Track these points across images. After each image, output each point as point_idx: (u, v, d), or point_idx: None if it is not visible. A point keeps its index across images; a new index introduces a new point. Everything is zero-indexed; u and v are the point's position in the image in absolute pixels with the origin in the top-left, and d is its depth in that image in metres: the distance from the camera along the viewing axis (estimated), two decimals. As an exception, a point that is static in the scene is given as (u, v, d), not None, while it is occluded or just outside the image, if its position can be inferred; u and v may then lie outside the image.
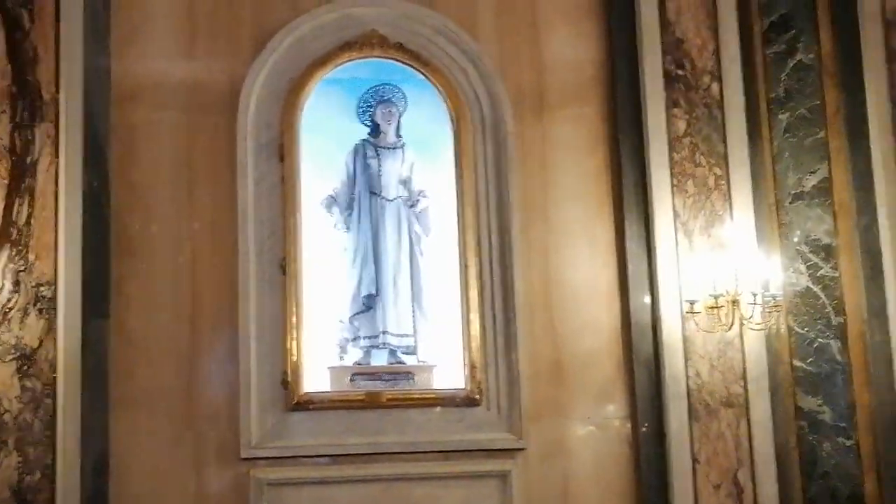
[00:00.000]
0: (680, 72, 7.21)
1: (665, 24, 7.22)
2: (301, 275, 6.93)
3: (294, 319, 6.84)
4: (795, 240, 7.27)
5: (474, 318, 6.99)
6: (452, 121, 7.22)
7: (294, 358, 6.82)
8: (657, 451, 6.89)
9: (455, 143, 7.19)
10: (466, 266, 7.05)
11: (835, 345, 7.15)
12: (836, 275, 7.23)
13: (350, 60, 7.20)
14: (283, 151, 7.00)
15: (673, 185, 7.10)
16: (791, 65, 7.42)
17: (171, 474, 6.69)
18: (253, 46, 7.12)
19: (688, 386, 6.89)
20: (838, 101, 7.40)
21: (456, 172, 7.16)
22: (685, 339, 6.93)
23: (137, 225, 6.87)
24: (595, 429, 7.10)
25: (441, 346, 7.13)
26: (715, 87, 7.23)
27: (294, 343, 6.82)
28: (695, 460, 6.83)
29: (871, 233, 7.24)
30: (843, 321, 7.17)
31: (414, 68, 7.24)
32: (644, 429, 6.93)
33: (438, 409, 6.97)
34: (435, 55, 7.24)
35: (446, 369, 7.08)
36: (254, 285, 6.82)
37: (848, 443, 7.05)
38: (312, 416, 6.83)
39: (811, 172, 7.34)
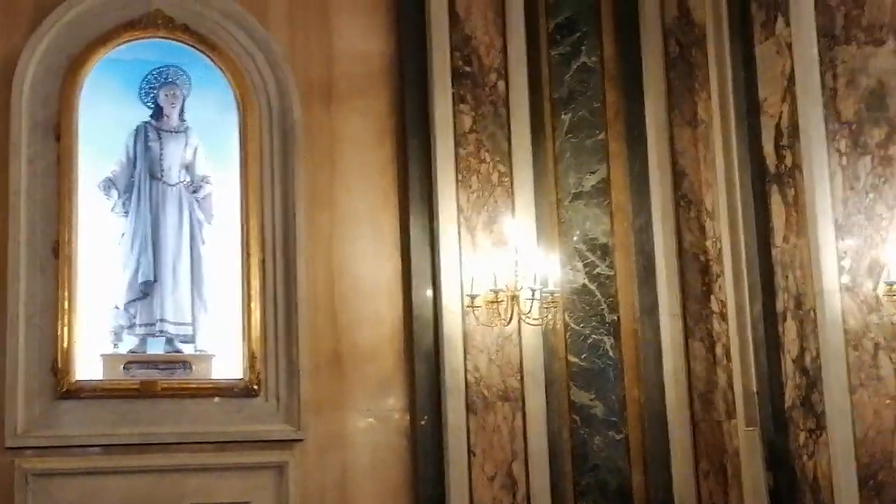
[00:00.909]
0: (468, 68, 7.29)
1: (454, 21, 7.29)
2: (76, 259, 6.72)
3: (66, 305, 6.62)
4: (574, 238, 7.46)
5: (255, 307, 6.91)
6: (238, 107, 7.11)
7: (65, 344, 6.59)
8: (435, 444, 6.95)
9: (240, 130, 7.10)
10: (249, 255, 6.96)
11: (608, 341, 7.37)
12: (612, 273, 7.45)
13: (133, 40, 7.02)
14: (59, 130, 6.76)
15: (458, 181, 7.17)
16: (575, 67, 7.61)
17: (-70, 464, 6.39)
18: (31, 20, 6.85)
19: (466, 379, 6.97)
20: (618, 104, 7.63)
21: (240, 159, 7.07)
22: (465, 333, 7.01)
23: None
24: (374, 421, 7.10)
25: (221, 336, 7.01)
26: (501, 85, 7.34)
27: (65, 329, 6.60)
28: (471, 452, 6.92)
29: (646, 234, 7.50)
30: (616, 318, 7.39)
31: (200, 51, 7.11)
32: (423, 422, 6.97)
33: (217, 399, 6.86)
34: (223, 39, 7.12)
35: (226, 359, 6.97)
36: (24, 268, 6.57)
37: (618, 437, 7.28)
38: (83, 404, 6.62)
39: (591, 173, 7.55)
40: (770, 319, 7.14)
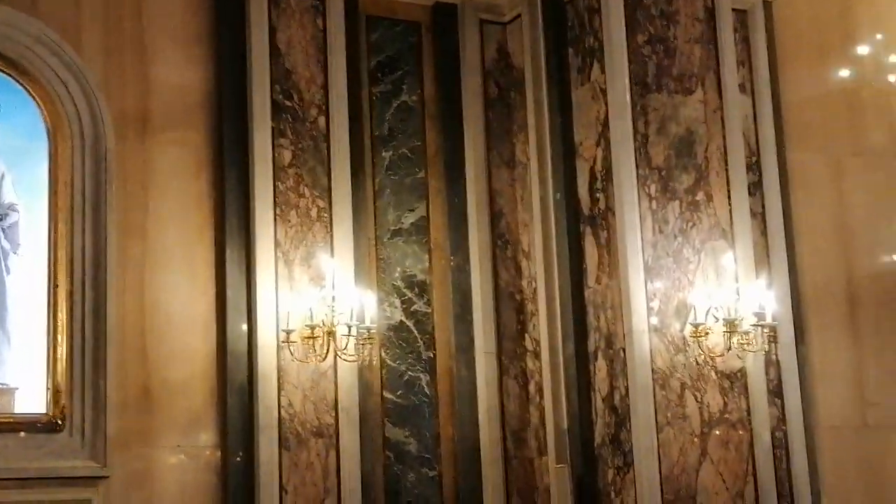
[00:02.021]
0: (288, 103, 7.25)
1: (275, 55, 7.24)
2: None
3: None
4: (392, 275, 7.47)
5: (62, 339, 6.68)
6: (49, 135, 6.91)
7: None
8: (246, 481, 6.82)
9: (50, 158, 6.88)
10: (56, 286, 6.74)
11: (424, 378, 7.40)
12: (429, 311, 7.49)
13: (-62, 60, 6.76)
14: None
15: (276, 215, 7.10)
16: (396, 105, 7.67)
17: None
18: None
19: (280, 415, 6.87)
20: (438, 143, 7.71)
21: (50, 188, 6.85)
22: (280, 369, 6.92)
23: None
24: (185, 457, 6.94)
25: (25, 369, 6.76)
26: (322, 120, 7.32)
27: None
28: (283, 489, 6.82)
29: (463, 272, 7.58)
30: (432, 356, 7.43)
31: (10, 76, 6.88)
32: (238, 458, 6.84)
33: (21, 434, 6.60)
34: (34, 65, 6.90)
35: (30, 393, 6.72)
36: None
37: (431, 473, 7.29)
38: None
39: (410, 210, 7.59)
40: (582, 358, 7.29)
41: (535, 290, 7.65)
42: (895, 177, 8.49)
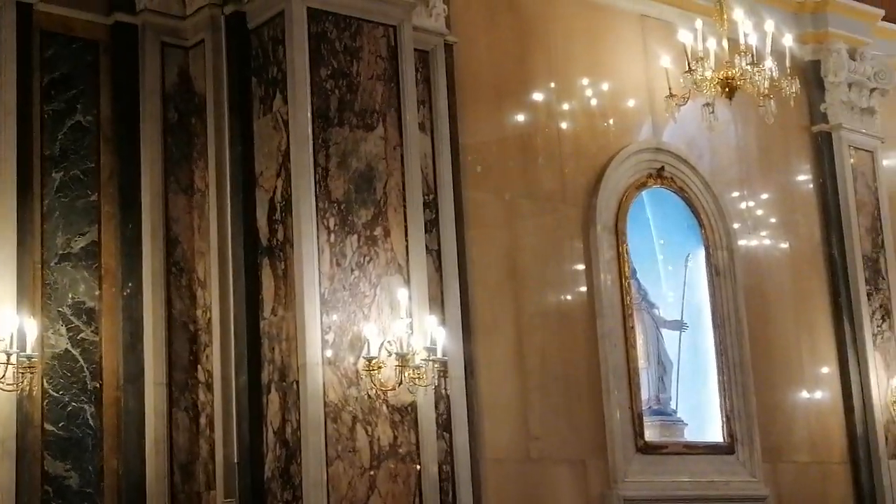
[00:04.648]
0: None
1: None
2: None
3: None
4: (60, 301, 7.16)
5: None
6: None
7: None
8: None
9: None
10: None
11: (89, 409, 7.12)
12: (97, 339, 7.22)
13: None
14: None
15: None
16: (69, 124, 7.37)
17: None
18: None
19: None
20: (113, 166, 7.46)
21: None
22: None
23: None
24: None
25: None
26: (-7, 138, 6.93)
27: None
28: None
29: (135, 300, 7.36)
30: (98, 386, 7.16)
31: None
32: None
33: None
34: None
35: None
36: None
37: (93, 509, 7.02)
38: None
39: (80, 234, 7.30)
40: (255, 390, 7.22)
41: (209, 319, 7.50)
42: (563, 220, 8.93)
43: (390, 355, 7.06)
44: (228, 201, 7.48)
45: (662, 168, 9.51)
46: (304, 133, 7.22)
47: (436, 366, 7.22)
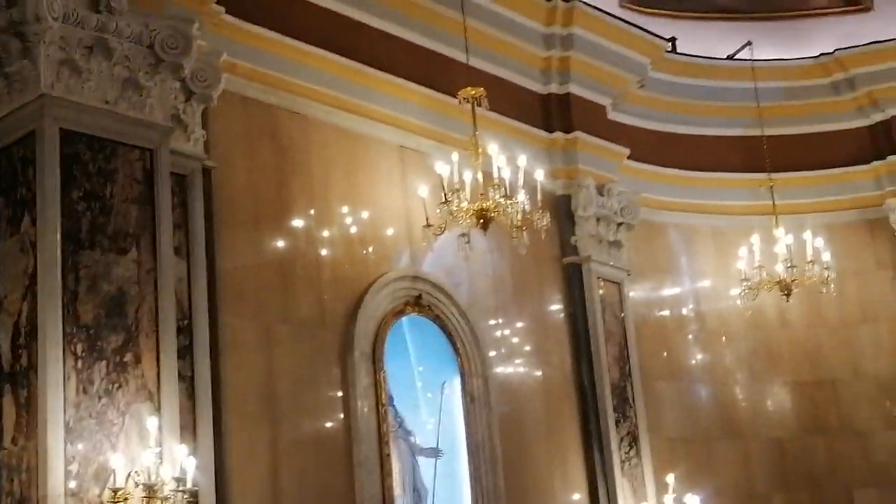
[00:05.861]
0: None
1: None
2: None
3: None
4: None
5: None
6: None
7: None
8: None
9: None
10: None
11: None
12: None
13: None
14: None
15: None
16: None
17: None
18: None
19: None
20: None
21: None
22: None
23: None
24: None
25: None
26: None
27: None
28: None
29: None
30: None
31: None
32: None
33: None
34: None
35: None
36: None
37: None
38: None
39: None
40: (-10, 525, 6.85)
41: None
42: (321, 346, 8.89)
43: (137, 486, 6.83)
44: (-32, 325, 7.16)
45: (420, 296, 9.63)
46: (52, 255, 7.01)
47: (185, 496, 7.01)
